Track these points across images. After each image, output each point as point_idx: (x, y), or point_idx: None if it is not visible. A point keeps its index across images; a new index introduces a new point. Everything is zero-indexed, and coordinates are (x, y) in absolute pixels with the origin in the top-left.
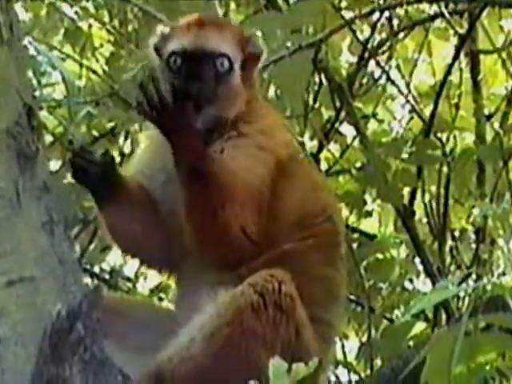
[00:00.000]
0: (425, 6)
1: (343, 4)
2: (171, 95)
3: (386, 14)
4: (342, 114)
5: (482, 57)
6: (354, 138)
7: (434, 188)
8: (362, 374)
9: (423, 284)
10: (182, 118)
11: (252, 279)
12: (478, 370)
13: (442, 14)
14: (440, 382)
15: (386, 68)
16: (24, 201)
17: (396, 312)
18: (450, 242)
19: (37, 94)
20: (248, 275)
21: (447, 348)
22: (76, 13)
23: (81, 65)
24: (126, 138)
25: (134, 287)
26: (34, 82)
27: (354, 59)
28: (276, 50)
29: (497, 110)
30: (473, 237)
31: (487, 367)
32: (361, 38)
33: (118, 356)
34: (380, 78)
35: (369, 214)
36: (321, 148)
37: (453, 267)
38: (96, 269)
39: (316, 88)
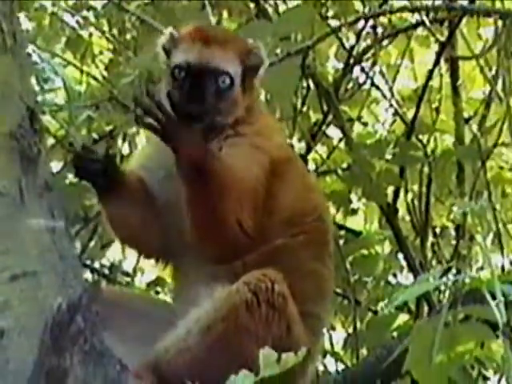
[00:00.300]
0: (407, 15)
1: (330, 13)
2: (174, 103)
3: (371, 22)
4: (329, 117)
5: (461, 63)
6: (340, 139)
7: (416, 187)
8: (349, 363)
9: (406, 278)
10: (182, 124)
11: (246, 278)
12: (458, 359)
13: (423, 23)
14: (421, 371)
15: (371, 73)
16: (27, 199)
17: (380, 304)
18: (431, 239)
19: (39, 98)
20: (242, 270)
21: (428, 338)
22: (77, 22)
23: (81, 71)
24: (124, 140)
25: (132, 281)
26: (37, 87)
27: (340, 65)
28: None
29: (475, 114)
30: (453, 233)
31: (466, 356)
32: (346, 45)
33: (117, 347)
34: (365, 83)
35: (354, 211)
36: (309, 149)
37: (434, 262)
38: (96, 264)
39: (304, 92)
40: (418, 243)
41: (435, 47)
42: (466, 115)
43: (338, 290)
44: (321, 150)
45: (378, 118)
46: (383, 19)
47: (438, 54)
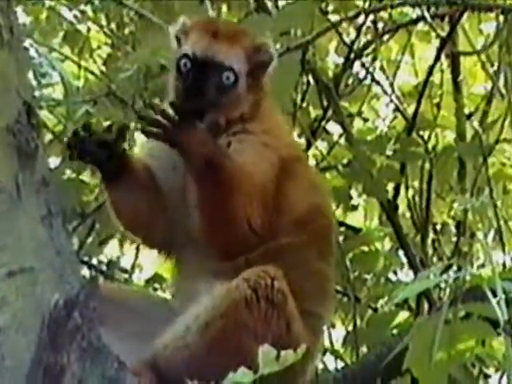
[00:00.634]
0: (408, 10)
1: (330, 8)
2: (177, 95)
3: (371, 17)
4: (329, 112)
5: (462, 58)
6: (341, 135)
7: (416, 183)
8: (348, 361)
9: (406, 275)
10: (186, 127)
11: (246, 274)
12: (458, 357)
13: (424, 18)
14: (422, 368)
15: (371, 69)
16: (24, 195)
17: (380, 302)
18: (432, 235)
19: (37, 93)
20: (245, 266)
21: (429, 336)
22: (75, 16)
23: (79, 66)
24: None
25: (130, 278)
26: (34, 82)
27: (340, 60)
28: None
29: (476, 109)
30: (454, 230)
31: (467, 354)
32: (347, 40)
33: (115, 344)
34: (365, 78)
35: (354, 208)
36: (309, 145)
37: (435, 259)
38: (94, 261)
39: (304, 88)
40: (418, 240)
41: (436, 42)
42: (467, 111)
43: (338, 287)
44: (321, 145)
45: (378, 113)
46: (384, 14)
47: (439, 50)
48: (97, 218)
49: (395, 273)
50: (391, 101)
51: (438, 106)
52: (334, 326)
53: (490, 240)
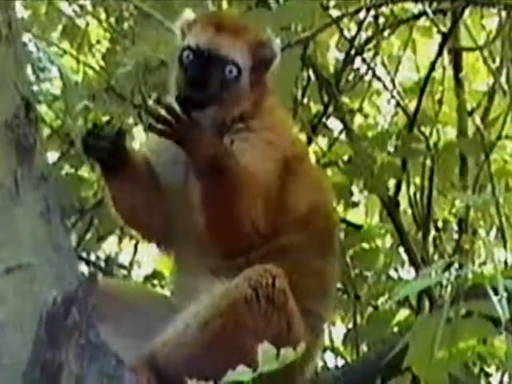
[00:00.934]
0: (409, 5)
1: (331, 3)
2: (178, 87)
3: (372, 12)
4: (330, 108)
5: (464, 54)
6: (341, 131)
7: (418, 180)
8: (349, 359)
9: (407, 273)
10: (193, 123)
11: (247, 273)
12: (459, 355)
13: (425, 13)
14: (423, 367)
15: (372, 64)
16: (22, 190)
17: (381, 299)
18: (433, 232)
19: (35, 88)
20: (246, 265)
21: (430, 334)
22: (74, 10)
23: (78, 60)
24: None
25: (129, 274)
26: (33, 77)
27: (341, 56)
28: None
29: (478, 106)
30: (455, 227)
31: (468, 352)
32: (348, 35)
33: (113, 341)
34: (366, 74)
35: (355, 204)
36: (309, 141)
37: (436, 256)
38: (92, 257)
39: (304, 83)
40: (419, 237)
41: (438, 38)
42: (469, 107)
43: (338, 285)
44: (321, 141)
45: (379, 109)
46: (385, 9)
47: (441, 45)
48: (96, 214)
49: (396, 270)
50: (392, 97)
51: (440, 102)
52: (334, 324)
53: (492, 237)
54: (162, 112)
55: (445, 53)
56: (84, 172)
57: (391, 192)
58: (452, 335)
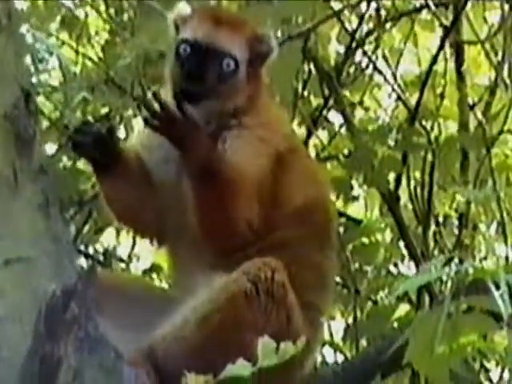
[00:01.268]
0: None
1: None
2: (174, 81)
3: (374, 5)
4: (330, 101)
5: (466, 48)
6: (342, 125)
7: (418, 174)
8: (348, 354)
9: (407, 267)
10: (188, 122)
11: (245, 267)
12: (460, 351)
13: (427, 6)
14: (423, 362)
15: (373, 58)
16: (21, 183)
17: (381, 294)
18: (433, 227)
19: (34, 79)
20: (243, 260)
21: (430, 329)
22: (73, 1)
23: (77, 52)
24: (120, 123)
25: (128, 268)
26: (32, 68)
27: (342, 49)
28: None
29: (480, 100)
30: (456, 222)
31: (468, 348)
32: (349, 28)
33: (113, 334)
34: (367, 67)
35: (355, 198)
36: (309, 135)
37: (436, 251)
38: (90, 250)
39: (305, 76)
40: (419, 232)
41: (440, 31)
42: (470, 101)
43: (338, 279)
44: (322, 135)
45: (380, 103)
46: (387, 2)
47: (443, 39)
48: (94, 206)
49: (396, 265)
50: (393, 90)
51: (441, 95)
52: (333, 319)
53: (493, 232)
54: (158, 108)
55: (446, 46)
56: (82, 164)
57: (391, 186)
58: (452, 331)
